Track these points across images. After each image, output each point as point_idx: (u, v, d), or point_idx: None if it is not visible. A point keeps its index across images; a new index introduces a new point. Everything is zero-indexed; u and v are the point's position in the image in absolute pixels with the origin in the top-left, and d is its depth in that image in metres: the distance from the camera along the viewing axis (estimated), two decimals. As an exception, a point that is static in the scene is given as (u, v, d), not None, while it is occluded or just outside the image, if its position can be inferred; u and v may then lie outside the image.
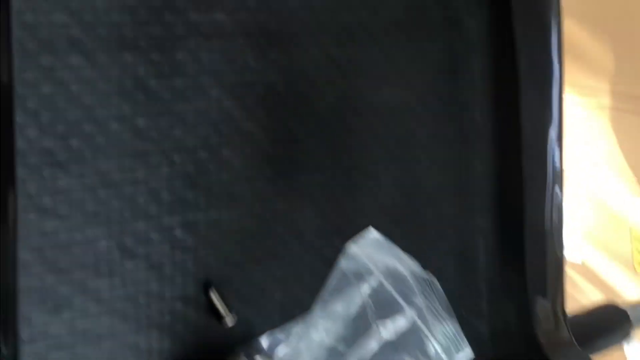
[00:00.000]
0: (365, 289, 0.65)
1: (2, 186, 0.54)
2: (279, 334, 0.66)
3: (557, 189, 0.77)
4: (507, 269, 0.79)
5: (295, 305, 0.67)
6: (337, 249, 0.69)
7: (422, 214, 0.74)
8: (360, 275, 0.65)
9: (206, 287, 0.62)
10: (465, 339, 0.66)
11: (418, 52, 0.72)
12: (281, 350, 0.65)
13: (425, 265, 0.69)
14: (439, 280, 0.69)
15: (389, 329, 0.65)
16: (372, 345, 0.65)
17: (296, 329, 0.66)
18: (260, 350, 0.65)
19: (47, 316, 0.56)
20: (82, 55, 0.56)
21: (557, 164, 0.76)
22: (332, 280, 0.65)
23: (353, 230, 0.70)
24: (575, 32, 1.15)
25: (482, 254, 0.78)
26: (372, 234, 0.65)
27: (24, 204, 0.55)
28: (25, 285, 0.55)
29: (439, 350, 0.65)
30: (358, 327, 0.65)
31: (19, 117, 0.54)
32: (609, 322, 0.88)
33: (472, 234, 0.77)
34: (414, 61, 0.71)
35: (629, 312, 0.84)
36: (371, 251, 0.65)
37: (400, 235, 0.72)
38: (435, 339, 0.65)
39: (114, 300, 0.59)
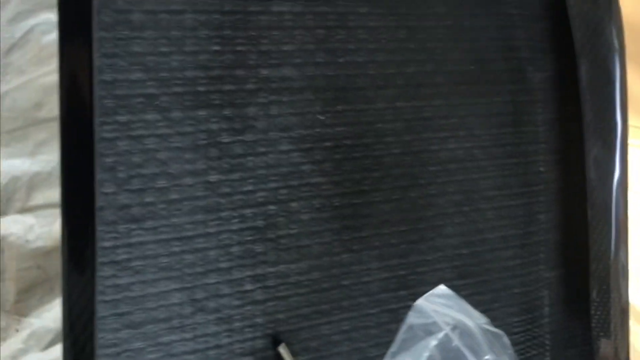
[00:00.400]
0: (433, 343, 0.63)
1: (80, 242, 0.54)
2: (346, 389, 0.64)
3: (622, 238, 0.75)
4: (572, 321, 0.77)
5: (362, 358, 0.66)
6: (402, 302, 0.68)
7: (487, 266, 0.73)
8: (428, 330, 0.64)
9: (275, 341, 0.62)
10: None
11: (482, 103, 0.71)
12: (349, 405, 0.64)
13: (488, 317, 0.67)
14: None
15: (458, 384, 0.63)
16: (441, 401, 0.63)
17: (364, 383, 0.64)
18: (327, 405, 0.63)
19: (120, 370, 0.56)
20: (157, 111, 0.56)
21: (622, 214, 0.75)
22: (400, 334, 0.63)
23: (418, 282, 0.69)
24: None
25: (547, 305, 0.76)
26: (442, 290, 0.64)
27: (99, 259, 0.54)
28: (101, 339, 0.55)
29: (510, 409, 0.63)
30: (426, 382, 0.64)
31: (98, 174, 0.54)
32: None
33: (536, 286, 0.75)
34: (478, 113, 0.71)
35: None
36: (440, 306, 0.64)
37: (464, 287, 0.70)
38: (505, 397, 0.63)
39: (186, 354, 0.58)
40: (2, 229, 1.28)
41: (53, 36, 1.35)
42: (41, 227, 1.32)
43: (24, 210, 1.30)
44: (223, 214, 0.59)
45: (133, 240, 0.56)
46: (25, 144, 1.32)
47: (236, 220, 0.60)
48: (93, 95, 0.53)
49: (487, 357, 0.63)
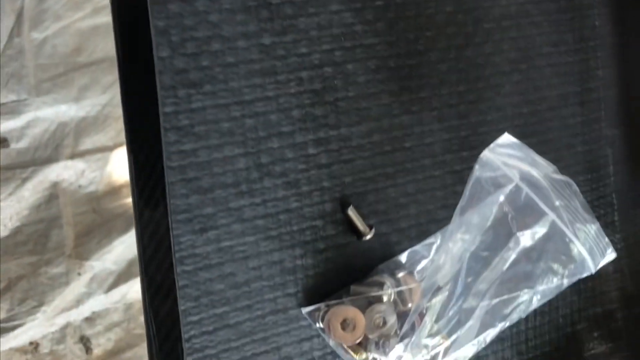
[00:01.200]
0: (502, 196, 0.61)
1: (143, 107, 0.53)
2: (418, 249, 0.62)
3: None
4: (638, 179, 0.74)
5: (429, 220, 0.64)
6: (466, 163, 0.65)
7: (548, 125, 0.70)
8: (497, 183, 0.61)
9: (343, 203, 0.60)
10: (608, 240, 0.62)
11: (532, -45, 0.67)
12: (421, 266, 0.62)
13: (555, 174, 0.65)
14: (569, 189, 0.64)
15: (530, 234, 0.61)
16: (514, 251, 0.61)
17: (435, 243, 0.62)
18: (400, 266, 0.62)
19: (194, 236, 0.54)
20: (205, -28, 0.54)
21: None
22: (468, 189, 0.61)
23: (480, 143, 0.66)
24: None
25: (611, 163, 0.73)
26: (507, 139, 0.61)
27: (162, 124, 0.53)
28: (172, 205, 0.53)
29: (583, 252, 0.61)
30: (498, 235, 0.61)
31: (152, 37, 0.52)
32: None
33: (599, 144, 0.72)
34: (528, -35, 0.67)
35: None
36: (506, 157, 0.61)
37: (527, 145, 0.67)
38: (579, 240, 0.61)
39: (257, 219, 0.57)
40: (55, 175, 1.28)
41: (86, -21, 1.33)
42: (92, 171, 1.32)
43: (74, 155, 1.30)
44: (280, 77, 0.57)
45: (193, 105, 0.54)
46: (70, 90, 1.31)
47: (293, 83, 0.58)
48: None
49: (556, 203, 0.61)
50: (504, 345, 0.68)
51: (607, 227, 0.73)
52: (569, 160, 0.71)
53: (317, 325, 0.58)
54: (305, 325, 0.59)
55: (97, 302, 1.33)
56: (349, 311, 0.58)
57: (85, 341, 1.31)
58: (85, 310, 1.31)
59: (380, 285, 0.59)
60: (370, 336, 0.58)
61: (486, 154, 0.60)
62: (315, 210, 0.59)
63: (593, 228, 0.61)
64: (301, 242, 0.58)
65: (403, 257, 0.62)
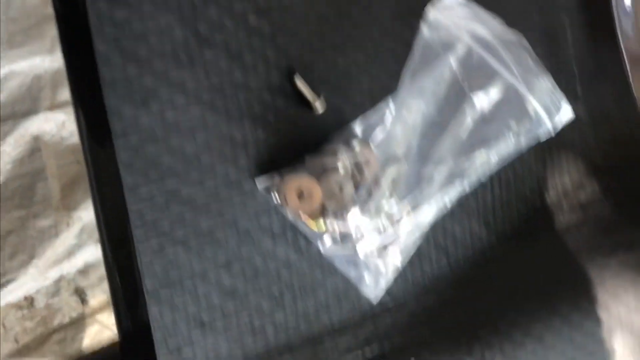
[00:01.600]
0: (453, 57, 0.59)
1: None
2: (371, 118, 0.61)
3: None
4: (599, 48, 0.72)
5: (383, 92, 0.62)
6: (416, 32, 0.63)
7: (500, -7, 0.67)
8: (445, 44, 0.59)
9: (290, 74, 0.58)
10: (562, 94, 0.60)
11: None
12: (377, 135, 0.60)
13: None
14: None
15: (484, 95, 0.59)
16: (469, 113, 0.59)
17: (387, 111, 0.61)
18: (355, 136, 0.60)
19: (135, 109, 0.53)
20: None
21: None
22: (417, 52, 0.59)
23: (430, 10, 0.64)
24: None
25: (569, 32, 0.71)
26: (451, -6, 0.59)
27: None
28: (109, 77, 0.52)
29: (538, 108, 0.59)
30: (451, 99, 0.60)
31: None
32: None
33: (555, 12, 0.70)
34: None
35: None
36: (455, 16, 0.59)
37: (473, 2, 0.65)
38: (534, 96, 0.59)
39: (200, 91, 0.55)
40: (35, 128, 1.26)
41: None
42: (73, 122, 1.30)
43: (53, 107, 1.28)
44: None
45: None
46: (43, 42, 1.29)
47: (227, -50, 0.55)
48: None
49: (508, 59, 0.59)
50: (471, 218, 0.66)
51: (570, 99, 0.71)
52: (525, 29, 0.68)
53: (273, 197, 0.56)
54: (261, 201, 0.57)
55: (89, 254, 1.32)
56: (304, 180, 0.56)
57: (80, 293, 1.30)
58: (78, 261, 1.30)
59: (335, 153, 0.58)
60: (328, 205, 0.57)
61: (434, 13, 0.58)
62: (262, 83, 0.57)
63: (546, 82, 0.59)
64: (250, 115, 0.56)
65: (357, 126, 0.60)
